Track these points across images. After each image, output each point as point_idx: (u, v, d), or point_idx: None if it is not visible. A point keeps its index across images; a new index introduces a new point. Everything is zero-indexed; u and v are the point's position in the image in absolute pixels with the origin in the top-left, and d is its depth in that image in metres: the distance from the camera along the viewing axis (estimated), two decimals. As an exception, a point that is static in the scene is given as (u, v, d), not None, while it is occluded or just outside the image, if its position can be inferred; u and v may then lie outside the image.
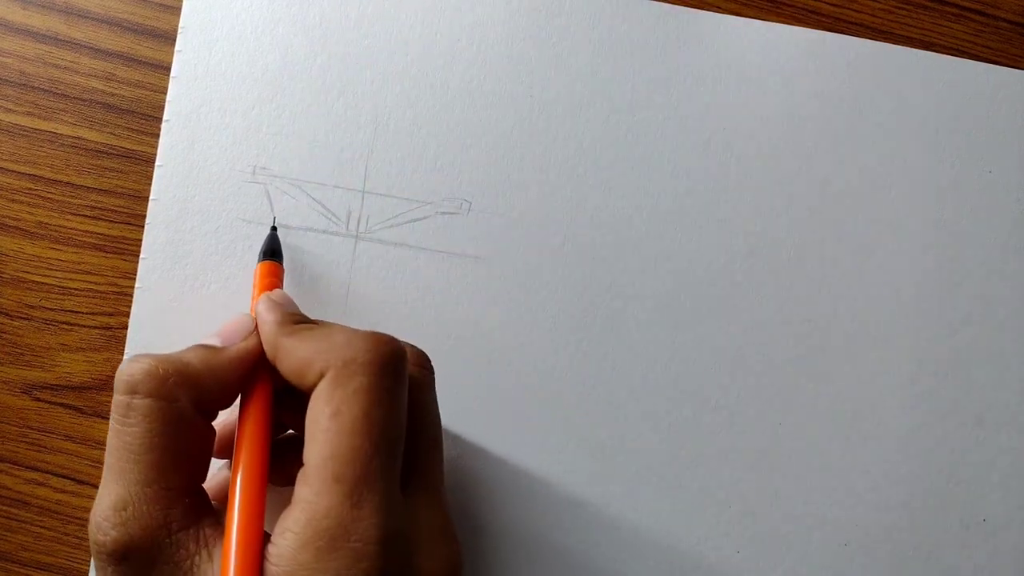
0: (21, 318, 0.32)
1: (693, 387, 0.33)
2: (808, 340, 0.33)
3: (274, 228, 0.32)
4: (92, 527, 0.22)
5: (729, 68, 0.34)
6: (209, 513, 0.23)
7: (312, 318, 0.26)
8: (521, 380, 0.32)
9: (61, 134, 0.33)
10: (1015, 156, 0.34)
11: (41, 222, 0.33)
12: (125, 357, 0.31)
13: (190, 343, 0.31)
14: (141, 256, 0.32)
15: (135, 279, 0.32)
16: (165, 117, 0.33)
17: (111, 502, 0.22)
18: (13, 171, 0.33)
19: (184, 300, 0.32)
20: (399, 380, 0.23)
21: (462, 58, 0.33)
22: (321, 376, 0.22)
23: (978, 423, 0.33)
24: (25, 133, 0.33)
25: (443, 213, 0.33)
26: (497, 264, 0.33)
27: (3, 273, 0.32)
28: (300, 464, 0.25)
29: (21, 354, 0.32)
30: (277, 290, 0.28)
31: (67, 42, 0.33)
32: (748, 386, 0.33)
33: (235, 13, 0.33)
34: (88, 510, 0.31)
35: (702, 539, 0.32)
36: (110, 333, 0.32)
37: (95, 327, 0.32)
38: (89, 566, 0.31)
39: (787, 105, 0.34)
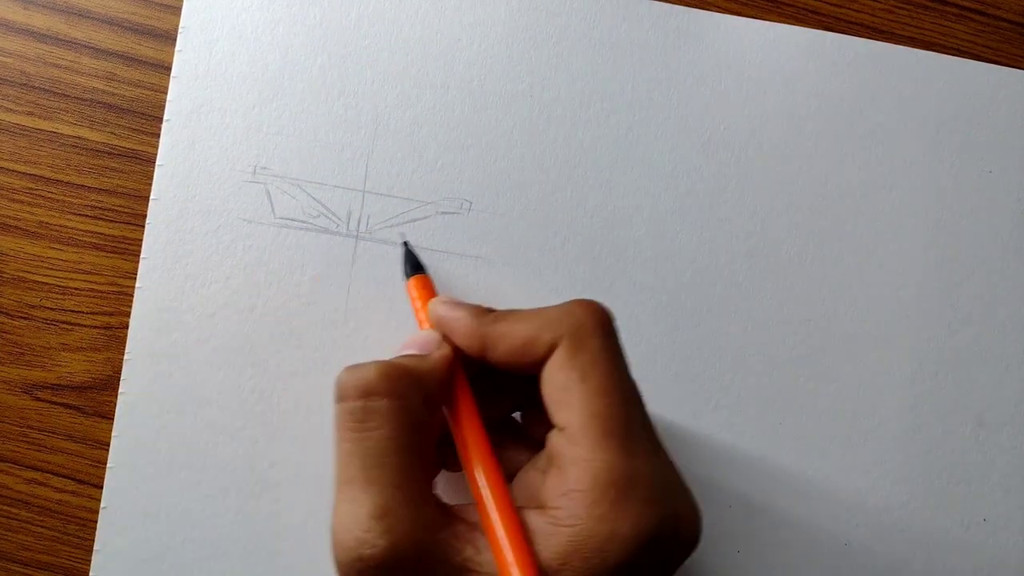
0: (22, 318, 0.32)
1: (693, 387, 0.33)
2: (808, 340, 0.33)
3: (406, 243, 0.32)
4: (352, 543, 0.21)
5: (729, 68, 0.34)
6: (449, 511, 0.23)
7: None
8: (521, 380, 0.32)
9: (62, 134, 0.33)
10: (1015, 156, 0.34)
11: (42, 222, 0.33)
12: (126, 357, 0.31)
13: (191, 343, 0.32)
14: (141, 256, 0.32)
15: (135, 279, 0.32)
16: (165, 117, 0.33)
17: (369, 512, 0.21)
18: (14, 171, 0.33)
19: (184, 300, 0.32)
20: (618, 339, 0.24)
21: (462, 58, 0.33)
22: (550, 348, 0.23)
23: (978, 423, 0.33)
24: (26, 133, 0.33)
25: (443, 213, 0.33)
26: (497, 264, 0.33)
27: (3, 273, 0.33)
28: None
29: (22, 354, 0.32)
30: (445, 295, 0.28)
31: (68, 42, 0.33)
32: (748, 386, 0.33)
33: (235, 13, 0.33)
34: (89, 509, 0.32)
35: (702, 539, 0.32)
36: (110, 333, 0.32)
37: (96, 327, 0.32)
38: (89, 566, 0.31)
39: (787, 105, 0.34)
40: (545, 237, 0.33)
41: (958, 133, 0.34)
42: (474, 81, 0.33)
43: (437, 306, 0.27)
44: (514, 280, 0.33)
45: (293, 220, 0.32)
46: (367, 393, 0.23)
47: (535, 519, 0.22)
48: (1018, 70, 0.35)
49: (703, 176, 0.34)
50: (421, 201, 0.33)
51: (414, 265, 0.30)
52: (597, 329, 0.24)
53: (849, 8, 0.35)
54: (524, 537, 0.21)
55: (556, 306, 0.24)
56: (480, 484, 0.23)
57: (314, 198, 0.33)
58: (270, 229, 0.32)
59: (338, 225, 0.32)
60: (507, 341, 0.24)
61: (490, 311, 0.26)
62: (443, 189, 0.33)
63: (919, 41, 0.35)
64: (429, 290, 0.29)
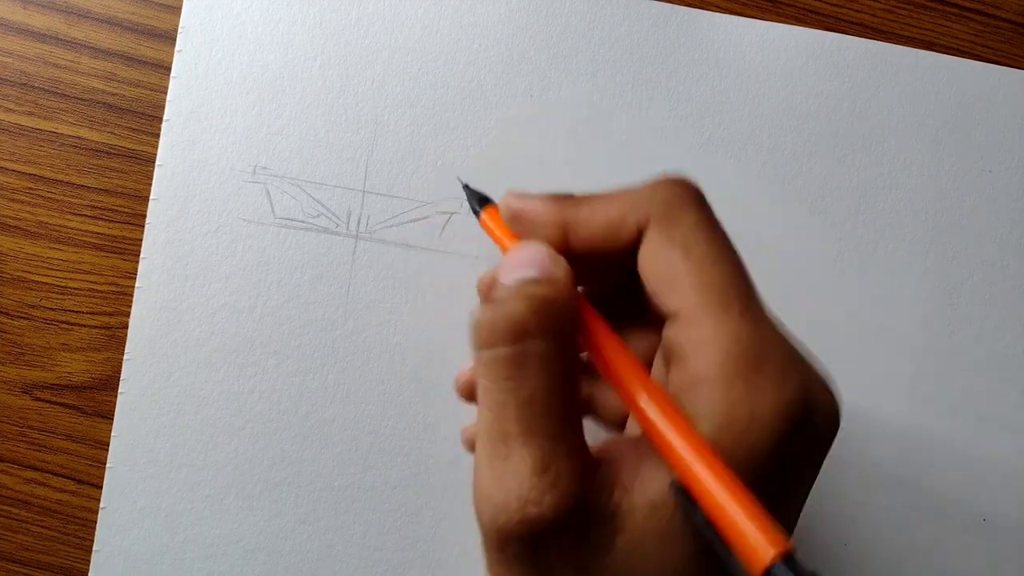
0: (21, 318, 0.32)
1: (693, 387, 0.33)
2: (808, 340, 0.33)
3: (466, 184, 0.29)
4: (514, 504, 0.19)
5: (729, 68, 0.34)
6: (593, 455, 0.21)
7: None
8: (521, 380, 0.32)
9: (61, 134, 0.33)
10: (1015, 156, 0.34)
11: (41, 222, 0.33)
12: (126, 357, 0.31)
13: (191, 343, 0.32)
14: (141, 256, 0.32)
15: (135, 279, 0.32)
16: (165, 117, 0.33)
17: (531, 467, 0.19)
18: (13, 171, 0.33)
19: (184, 300, 0.32)
20: (711, 208, 0.22)
21: (462, 58, 0.33)
22: (639, 230, 0.21)
23: (978, 423, 0.33)
24: (25, 133, 0.33)
25: (443, 213, 0.33)
26: (497, 264, 0.33)
27: (3, 273, 0.32)
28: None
29: (21, 354, 0.32)
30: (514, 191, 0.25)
31: (67, 42, 0.33)
32: (748, 386, 0.33)
33: (235, 13, 0.33)
34: (88, 509, 0.31)
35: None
36: (110, 333, 0.32)
37: (95, 327, 0.32)
38: (89, 566, 0.31)
39: (787, 105, 0.34)
40: (545, 237, 0.33)
41: (958, 133, 0.34)
42: (474, 81, 0.33)
43: (511, 200, 0.24)
44: (514, 280, 0.33)
45: (293, 220, 0.32)
46: (522, 336, 0.20)
47: None
48: (1018, 70, 0.35)
49: (703, 176, 0.33)
50: (421, 201, 0.33)
51: (483, 200, 0.27)
52: (689, 201, 0.21)
53: (849, 8, 0.35)
54: (708, 449, 0.18)
55: (639, 185, 0.22)
56: (650, 411, 0.20)
57: (314, 198, 0.32)
58: (270, 229, 0.32)
59: (338, 225, 0.32)
60: (590, 225, 0.22)
61: (570, 196, 0.23)
62: (443, 189, 0.33)
63: (919, 41, 0.35)
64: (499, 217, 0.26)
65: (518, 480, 0.19)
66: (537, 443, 0.19)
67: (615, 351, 0.21)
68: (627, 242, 0.22)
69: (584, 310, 0.22)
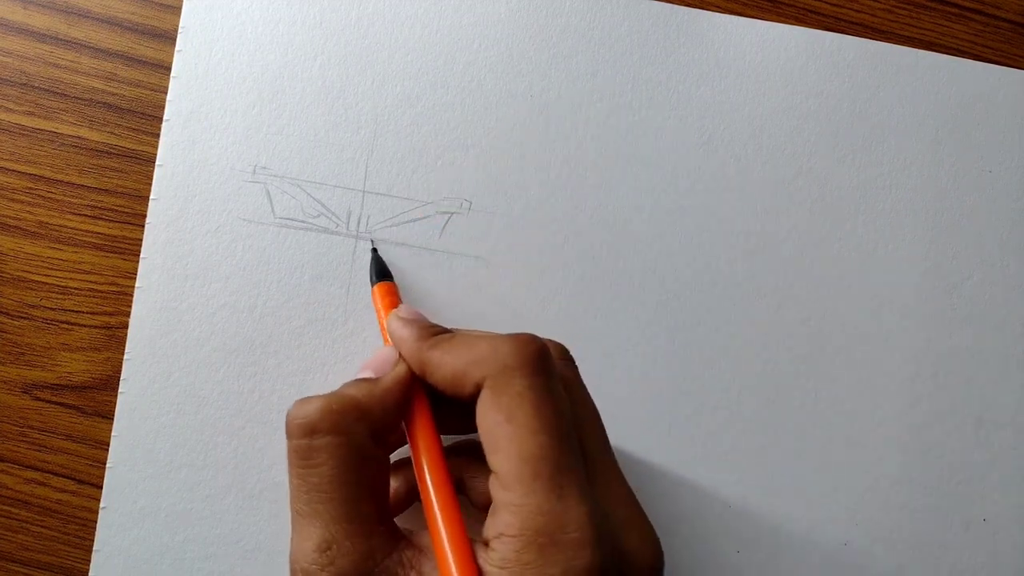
0: (21, 318, 0.32)
1: (693, 387, 0.33)
2: (808, 340, 0.33)
3: (374, 249, 0.32)
4: (300, 574, 0.22)
5: (729, 68, 0.34)
6: (401, 537, 0.24)
7: (446, 327, 0.26)
8: (521, 380, 0.32)
9: (61, 134, 0.33)
10: (1015, 156, 0.34)
11: (41, 222, 0.33)
12: (126, 357, 0.31)
13: (191, 343, 0.32)
14: (141, 256, 0.32)
15: (135, 279, 0.32)
16: (165, 117, 0.33)
17: (314, 545, 0.22)
18: (13, 171, 0.33)
19: (184, 300, 0.32)
20: (552, 375, 0.23)
21: (462, 58, 0.33)
22: (477, 386, 0.23)
23: (978, 423, 0.33)
24: (25, 132, 0.33)
25: (443, 213, 0.33)
26: (497, 264, 0.33)
27: (3, 273, 0.33)
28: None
29: (21, 354, 0.32)
30: (403, 306, 0.28)
31: (68, 42, 0.33)
32: (748, 386, 0.33)
33: (235, 13, 0.33)
34: (89, 509, 0.32)
35: (702, 539, 0.32)
36: (110, 333, 0.32)
37: (95, 327, 0.32)
38: (89, 566, 0.31)
39: (787, 105, 0.34)
40: (545, 237, 0.33)
41: (958, 133, 0.34)
42: (474, 81, 0.33)
43: (392, 320, 0.27)
44: (514, 280, 0.33)
45: (293, 220, 0.32)
46: (310, 431, 0.23)
47: (479, 554, 0.22)
48: (1018, 70, 0.35)
49: (703, 176, 0.34)
50: (421, 201, 0.33)
51: (380, 273, 0.30)
52: (523, 368, 0.23)
53: (849, 8, 0.35)
54: (472, 570, 0.21)
55: (487, 340, 0.24)
56: (433, 511, 0.23)
57: (314, 198, 0.33)
58: (270, 229, 0.32)
59: (338, 225, 0.32)
60: (439, 372, 0.24)
61: (436, 333, 0.25)
62: (443, 189, 0.33)
63: (919, 41, 0.35)
64: (393, 297, 0.29)
65: (303, 553, 0.22)
66: (320, 523, 0.22)
67: (428, 456, 0.24)
68: (468, 395, 0.23)
69: (418, 410, 0.25)
